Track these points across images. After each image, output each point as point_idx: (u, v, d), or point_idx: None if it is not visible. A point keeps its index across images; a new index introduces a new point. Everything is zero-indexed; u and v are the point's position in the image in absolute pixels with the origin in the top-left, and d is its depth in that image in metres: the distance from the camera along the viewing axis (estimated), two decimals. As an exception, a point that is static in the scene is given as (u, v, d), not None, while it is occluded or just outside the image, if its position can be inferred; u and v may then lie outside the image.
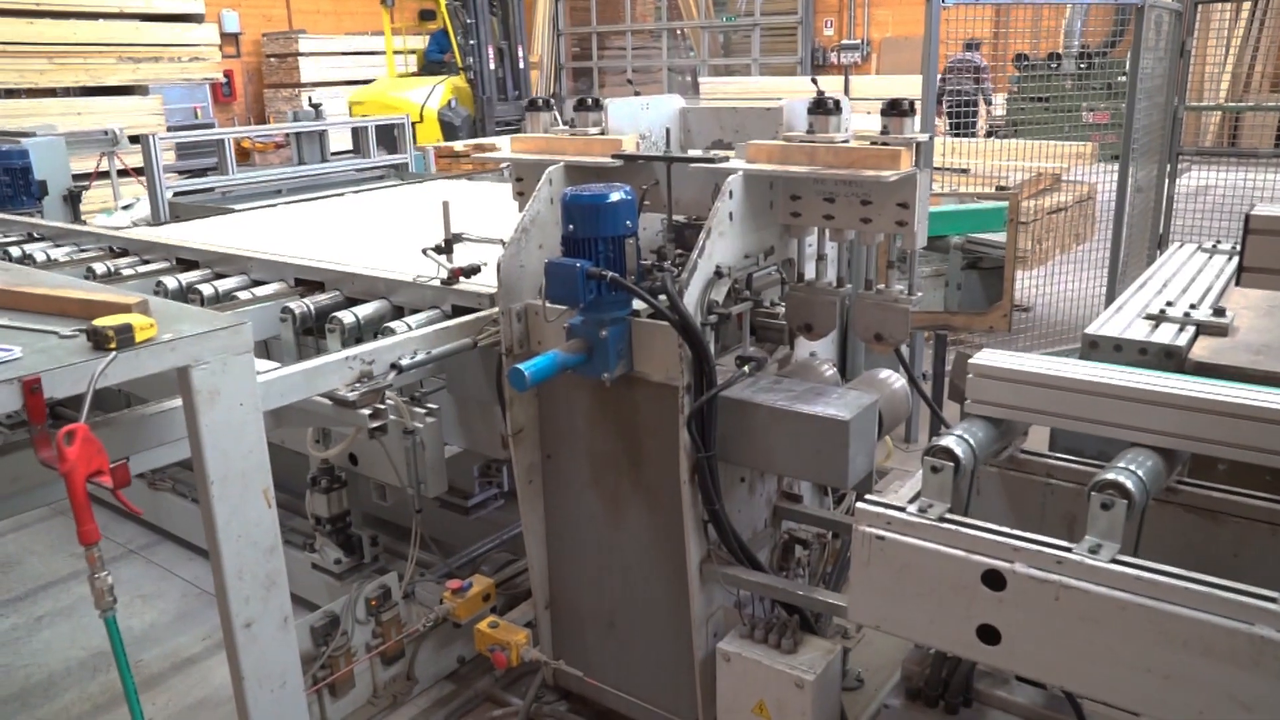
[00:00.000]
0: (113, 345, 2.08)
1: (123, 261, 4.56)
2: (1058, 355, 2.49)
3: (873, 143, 2.60)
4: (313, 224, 5.51)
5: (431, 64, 13.35)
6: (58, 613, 4.17)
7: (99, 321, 2.12)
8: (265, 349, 3.78)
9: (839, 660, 2.69)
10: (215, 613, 2.55)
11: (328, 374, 2.86)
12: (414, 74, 13.82)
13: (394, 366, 2.99)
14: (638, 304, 2.65)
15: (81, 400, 2.01)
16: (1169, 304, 2.83)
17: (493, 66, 9.58)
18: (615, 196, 2.60)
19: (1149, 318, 2.72)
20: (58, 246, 4.92)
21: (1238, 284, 2.94)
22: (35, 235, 5.19)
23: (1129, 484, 1.95)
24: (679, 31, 22.70)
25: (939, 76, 5.35)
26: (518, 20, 9.30)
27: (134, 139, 7.95)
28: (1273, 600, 1.75)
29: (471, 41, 9.44)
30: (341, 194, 6.82)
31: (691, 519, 2.70)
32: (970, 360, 2.30)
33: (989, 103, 11.87)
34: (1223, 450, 2.05)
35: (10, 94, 10.76)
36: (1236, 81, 14.30)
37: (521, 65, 9.67)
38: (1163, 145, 6.92)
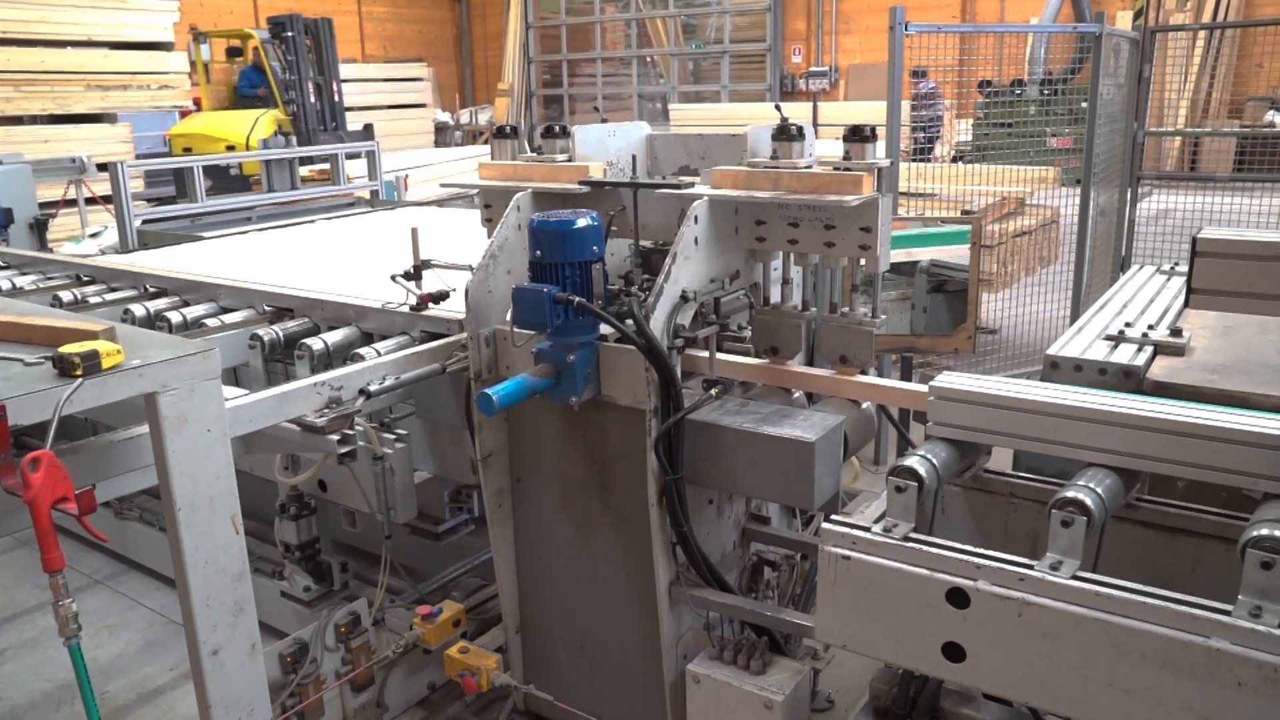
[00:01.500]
0: (79, 372, 2.08)
1: (89, 290, 4.54)
2: (1022, 376, 2.53)
3: (835, 168, 2.64)
4: (282, 251, 5.50)
5: (243, 98, 13.67)
6: (22, 645, 4.12)
7: (65, 348, 2.12)
8: (234, 376, 3.77)
9: (808, 681, 2.70)
10: (182, 643, 2.53)
11: (296, 400, 2.86)
12: (226, 108, 14.09)
13: (363, 392, 2.99)
14: (605, 328, 2.68)
15: (47, 427, 2.01)
16: (1128, 325, 2.88)
17: (313, 100, 9.91)
18: (582, 222, 2.63)
19: (1108, 338, 2.77)
20: (23, 274, 4.88)
21: (1186, 306, 3.01)
22: (0, 264, 5.15)
23: (1088, 501, 1.99)
24: (649, 59, 22.90)
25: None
26: (330, 56, 9.66)
27: (102, 167, 7.91)
28: (1227, 613, 1.78)
29: (292, 77, 9.77)
30: (311, 221, 6.81)
31: (660, 541, 2.71)
32: (931, 383, 2.34)
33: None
34: (1178, 469, 2.09)
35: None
36: (1195, 108, 14.60)
37: (336, 99, 10.03)
38: (1124, 170, 7.05)
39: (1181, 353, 2.68)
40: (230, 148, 12.01)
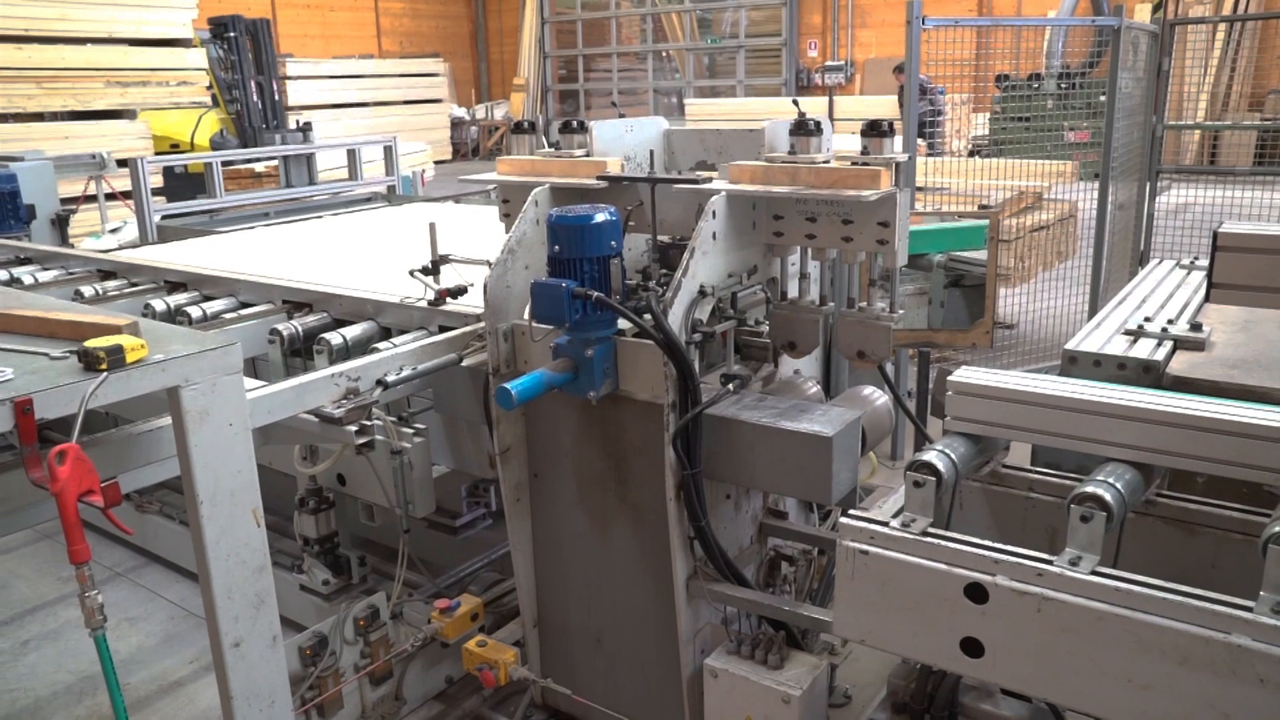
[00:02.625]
0: (104, 366, 2.10)
1: (110, 284, 4.57)
2: (1040, 371, 2.53)
3: (853, 163, 2.64)
4: (300, 246, 5.53)
5: None
6: (44, 636, 4.16)
7: (90, 343, 2.14)
8: (253, 369, 3.80)
9: (825, 675, 2.71)
10: (202, 635, 2.56)
11: (315, 391, 2.88)
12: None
13: (380, 383, 3.01)
14: (623, 323, 2.68)
15: (71, 421, 2.03)
16: (1147, 319, 2.87)
17: (255, 99, 10.11)
18: (600, 217, 2.64)
19: (1127, 333, 2.76)
20: (45, 270, 4.93)
21: (1207, 300, 2.99)
22: (22, 258, 5.19)
23: (1107, 496, 1.99)
24: (664, 53, 22.89)
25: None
26: (270, 56, 9.89)
27: (122, 163, 7.97)
28: (1248, 609, 1.78)
29: (236, 76, 9.97)
30: (326, 215, 6.84)
31: (677, 536, 2.72)
32: (949, 378, 2.34)
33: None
34: (1197, 464, 2.08)
35: (-2, 118, 10.79)
36: (1215, 101, 14.48)
37: (277, 98, 10.24)
38: (1143, 163, 7.01)
39: (1201, 347, 2.67)
40: (174, 146, 12.09)
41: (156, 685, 3.82)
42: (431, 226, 3.59)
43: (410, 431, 3.16)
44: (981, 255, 5.18)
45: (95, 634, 2.08)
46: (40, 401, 2.02)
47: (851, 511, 2.23)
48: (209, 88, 13.10)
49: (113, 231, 8.37)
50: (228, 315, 4.02)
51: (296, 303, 3.99)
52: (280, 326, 3.73)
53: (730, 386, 2.69)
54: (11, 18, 10.53)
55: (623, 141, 3.27)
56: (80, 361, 2.14)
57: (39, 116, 11.11)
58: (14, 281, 4.72)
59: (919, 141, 5.87)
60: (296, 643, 3.16)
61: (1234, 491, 2.31)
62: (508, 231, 3.04)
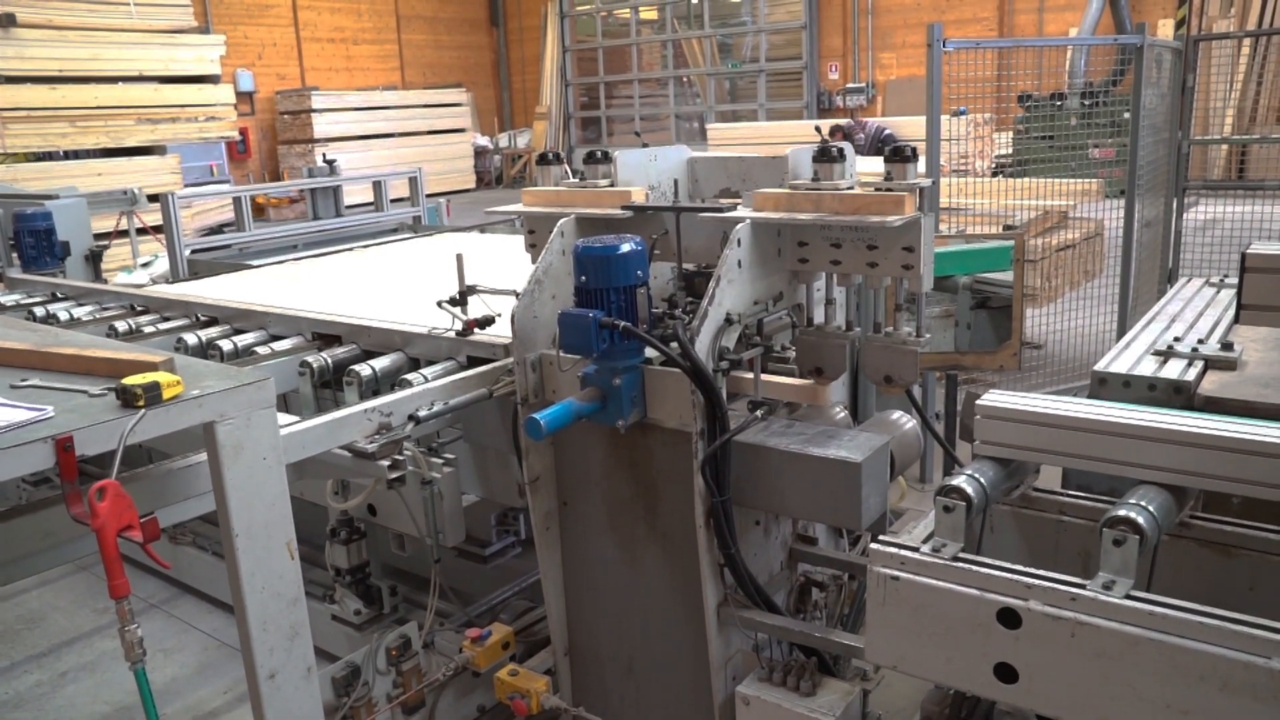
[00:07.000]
0: (141, 403, 2.13)
1: (143, 319, 4.64)
2: (1069, 392, 2.52)
3: (876, 189, 2.65)
4: (328, 278, 5.59)
5: None
6: (81, 668, 4.20)
7: (127, 380, 2.17)
8: (284, 402, 3.83)
9: (858, 702, 2.69)
10: (236, 665, 2.58)
11: (348, 426, 2.91)
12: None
13: (412, 418, 3.03)
14: (650, 352, 2.70)
15: (110, 457, 2.06)
16: (1177, 339, 2.85)
17: None
18: (626, 248, 2.66)
19: (1157, 353, 2.75)
20: (80, 305, 5.00)
21: (1236, 321, 2.97)
22: (58, 295, 5.28)
23: (1140, 520, 1.97)
24: (685, 79, 23.01)
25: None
26: None
27: (153, 198, 8.09)
28: (1288, 633, 1.76)
29: None
30: (353, 248, 6.91)
31: (707, 563, 2.72)
32: (977, 401, 2.33)
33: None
34: (1232, 486, 2.06)
35: (34, 157, 10.99)
36: (1242, 114, 14.38)
37: None
38: (1169, 179, 6.97)
39: (1233, 367, 2.65)
40: None
41: (191, 715, 3.85)
42: (459, 258, 3.63)
43: (440, 462, 3.18)
44: (1007, 276, 5.15)
45: (135, 667, 2.11)
46: (80, 438, 2.05)
47: (882, 537, 2.22)
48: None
49: (144, 266, 8.48)
50: (259, 349, 4.07)
51: (326, 335, 4.03)
52: (310, 359, 3.77)
53: (758, 413, 2.70)
54: (46, 59, 10.76)
55: (647, 170, 3.30)
56: (118, 399, 2.18)
57: (73, 154, 11.32)
58: (50, 318, 4.80)
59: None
60: (330, 673, 3.18)
61: (1270, 512, 2.29)
62: (534, 262, 3.07)
